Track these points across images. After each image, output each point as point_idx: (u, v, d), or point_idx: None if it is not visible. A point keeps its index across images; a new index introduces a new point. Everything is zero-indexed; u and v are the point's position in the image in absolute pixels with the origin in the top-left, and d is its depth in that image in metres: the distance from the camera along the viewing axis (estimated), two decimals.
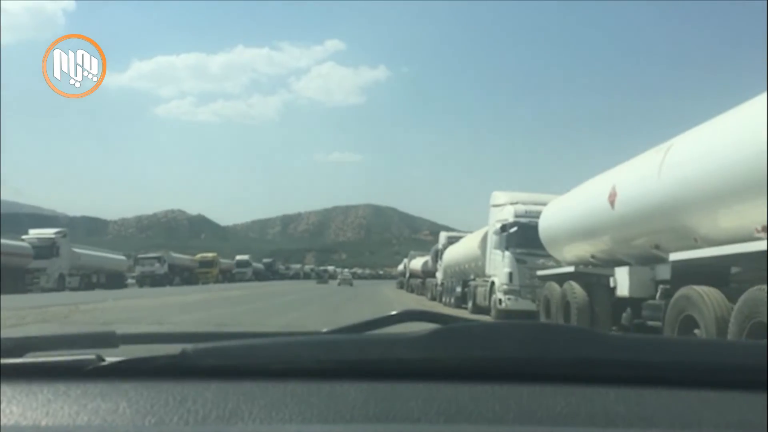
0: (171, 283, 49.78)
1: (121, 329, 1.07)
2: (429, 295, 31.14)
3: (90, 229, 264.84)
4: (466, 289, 20.79)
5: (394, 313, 1.15)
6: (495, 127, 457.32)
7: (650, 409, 0.78)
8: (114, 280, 39.98)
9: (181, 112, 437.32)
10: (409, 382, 0.83)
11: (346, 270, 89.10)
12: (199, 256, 62.80)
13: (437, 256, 28.29)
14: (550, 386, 0.82)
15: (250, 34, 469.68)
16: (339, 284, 54.89)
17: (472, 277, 21.20)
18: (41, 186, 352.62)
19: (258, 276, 76.75)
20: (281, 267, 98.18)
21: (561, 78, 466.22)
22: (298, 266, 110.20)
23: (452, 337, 0.91)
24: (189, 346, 0.89)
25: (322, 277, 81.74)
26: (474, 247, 19.99)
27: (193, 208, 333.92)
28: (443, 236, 28.40)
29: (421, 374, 0.85)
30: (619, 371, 0.87)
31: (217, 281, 60.99)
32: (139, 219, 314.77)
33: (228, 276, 68.53)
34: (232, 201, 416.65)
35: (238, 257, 76.99)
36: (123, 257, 43.90)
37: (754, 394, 0.81)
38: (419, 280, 41.64)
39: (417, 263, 43.39)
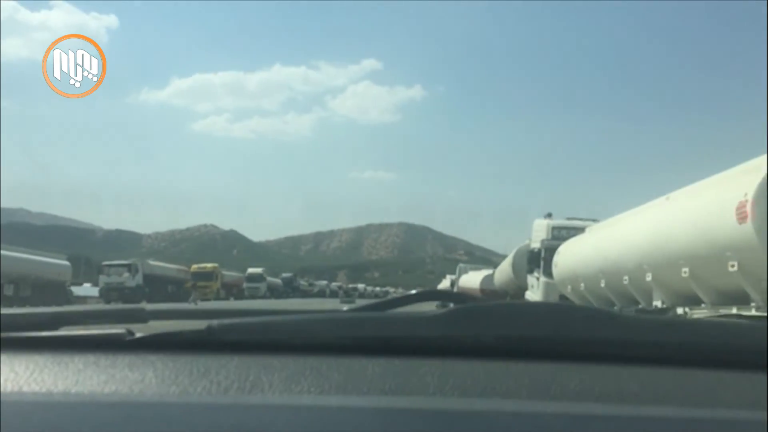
0: (148, 299, 38.20)
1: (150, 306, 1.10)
2: None
3: (124, 242, 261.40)
4: None
5: (413, 292, 1.18)
6: (532, 148, 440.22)
7: (662, 387, 0.79)
8: (49, 292, 28.45)
9: (217, 128, 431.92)
10: (425, 359, 0.84)
11: (398, 291, 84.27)
12: (195, 266, 50.75)
13: (537, 261, 15.37)
14: (564, 364, 0.83)
15: (287, 53, 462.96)
16: None
17: (662, 302, 8.71)
18: (78, 199, 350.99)
19: (274, 293, 64.73)
20: (303, 283, 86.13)
21: (605, 99, 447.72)
22: (323, 283, 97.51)
23: (469, 316, 0.93)
24: (214, 322, 0.92)
25: (350, 296, 70.35)
26: (712, 218, 7.33)
27: (225, 224, 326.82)
28: (543, 226, 15.72)
29: (438, 351, 0.87)
30: (632, 351, 0.88)
31: (218, 297, 49.14)
32: (172, 233, 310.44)
33: (236, 292, 56.70)
34: (265, 217, 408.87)
35: (250, 270, 64.79)
36: (64, 262, 32.06)
37: (756, 374, 0.83)
38: None
39: (473, 279, 30.98)
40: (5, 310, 0.99)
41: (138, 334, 0.92)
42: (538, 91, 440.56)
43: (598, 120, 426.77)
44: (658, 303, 8.89)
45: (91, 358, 0.85)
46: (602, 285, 10.74)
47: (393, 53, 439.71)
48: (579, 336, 0.89)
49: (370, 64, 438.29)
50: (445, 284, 46.16)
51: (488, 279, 26.82)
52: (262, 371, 0.79)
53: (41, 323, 0.98)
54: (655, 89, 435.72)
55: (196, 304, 34.67)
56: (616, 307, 10.38)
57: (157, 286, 40.25)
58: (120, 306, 1.09)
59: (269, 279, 66.42)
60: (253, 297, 56.18)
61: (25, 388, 0.76)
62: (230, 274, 58.45)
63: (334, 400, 0.73)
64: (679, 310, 8.28)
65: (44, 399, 0.73)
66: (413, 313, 0.95)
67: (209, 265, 52.60)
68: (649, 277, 8.91)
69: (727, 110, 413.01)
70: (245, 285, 59.75)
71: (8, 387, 0.76)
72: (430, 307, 1.15)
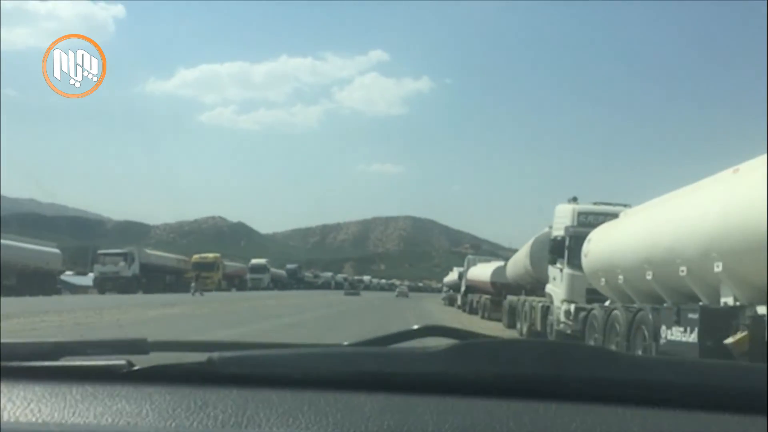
0: (145, 289, 36.76)
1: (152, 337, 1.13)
2: (524, 329, 16.57)
3: (133, 233, 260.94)
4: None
5: (415, 327, 1.18)
6: (539, 141, 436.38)
7: (663, 429, 0.79)
8: (36, 281, 27.00)
9: (223, 119, 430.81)
10: (425, 396, 0.85)
11: (404, 284, 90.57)
12: (196, 256, 49.24)
13: (560, 250, 13.59)
14: (566, 404, 0.83)
15: (294, 44, 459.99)
16: (397, 296, 57.47)
17: (734, 299, 6.98)
18: (87, 190, 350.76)
19: (278, 284, 63.24)
20: (308, 274, 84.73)
21: (613, 92, 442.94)
22: (328, 274, 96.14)
23: (471, 353, 0.93)
24: (215, 355, 0.92)
25: (354, 288, 68.90)
26: None
27: (233, 216, 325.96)
28: (568, 211, 13.98)
29: (438, 389, 0.87)
30: (634, 391, 0.88)
31: (220, 288, 47.66)
32: (180, 224, 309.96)
33: (238, 283, 55.22)
34: (273, 209, 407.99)
35: (254, 261, 63.33)
36: (54, 250, 30.54)
37: (756, 418, 0.83)
38: (486, 298, 27.71)
39: (483, 272, 29.28)
40: (5, 340, 1.00)
41: (137, 366, 0.91)
42: (545, 83, 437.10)
43: (607, 113, 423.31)
44: (728, 300, 7.19)
45: (89, 389, 0.85)
46: (648, 278, 9.03)
47: (400, 45, 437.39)
48: (582, 375, 0.88)
49: (377, 55, 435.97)
50: (452, 277, 44.36)
51: (500, 271, 25.00)
52: (261, 405, 0.79)
53: (42, 353, 0.98)
54: (665, 80, 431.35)
55: (194, 294, 33.10)
56: (665, 304, 8.69)
57: (154, 276, 38.86)
58: (121, 338, 1.07)
59: (273, 270, 64.98)
60: (256, 288, 54.75)
61: (22, 419, 0.76)
62: (232, 265, 57.05)
63: None
64: (760, 309, 6.60)
65: (40, 429, 0.75)
66: (413, 349, 0.95)
67: (210, 255, 51.17)
68: (718, 268, 7.18)
69: (736, 104, 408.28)
70: (248, 276, 58.41)
71: (5, 417, 0.77)
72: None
